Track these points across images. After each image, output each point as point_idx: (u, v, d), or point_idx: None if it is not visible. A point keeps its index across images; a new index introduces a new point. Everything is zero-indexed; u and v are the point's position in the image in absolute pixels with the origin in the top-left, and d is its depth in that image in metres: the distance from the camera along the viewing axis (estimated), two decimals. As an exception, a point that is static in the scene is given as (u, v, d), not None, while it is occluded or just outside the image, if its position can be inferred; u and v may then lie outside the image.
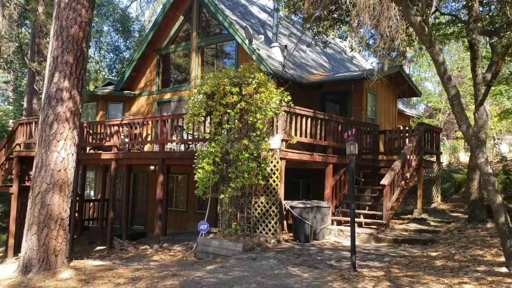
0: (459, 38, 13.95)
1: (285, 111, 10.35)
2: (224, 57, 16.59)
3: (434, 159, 15.12)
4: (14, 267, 9.04)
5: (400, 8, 7.62)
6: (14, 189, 15.22)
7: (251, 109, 10.07)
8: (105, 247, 13.61)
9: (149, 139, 14.52)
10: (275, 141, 10.21)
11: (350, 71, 18.71)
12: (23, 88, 30.44)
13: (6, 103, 34.52)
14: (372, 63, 23.14)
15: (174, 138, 13.42)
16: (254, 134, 10.11)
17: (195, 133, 12.53)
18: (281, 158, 10.21)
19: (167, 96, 17.36)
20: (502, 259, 7.23)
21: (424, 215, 12.54)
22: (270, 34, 16.07)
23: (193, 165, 10.71)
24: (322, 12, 12.15)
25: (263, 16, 18.37)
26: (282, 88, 10.63)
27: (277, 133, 10.28)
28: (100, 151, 14.59)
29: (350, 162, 7.80)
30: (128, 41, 35.04)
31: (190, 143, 13.25)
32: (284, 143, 10.36)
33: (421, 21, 7.40)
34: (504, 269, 6.89)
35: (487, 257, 7.85)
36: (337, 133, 12.06)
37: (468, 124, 7.50)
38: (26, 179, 15.41)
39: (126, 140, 14.37)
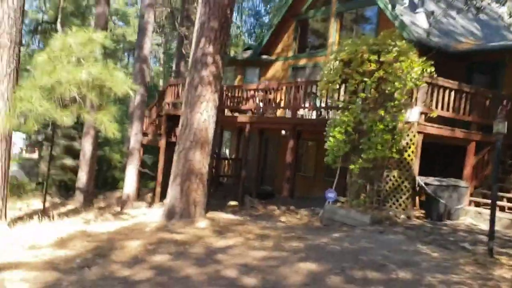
0: None
1: (427, 82, 9.75)
2: (364, 23, 16.03)
3: None
4: (160, 212, 10.19)
5: None
6: (162, 143, 16.86)
7: (390, 79, 9.66)
8: (236, 203, 14.52)
9: (282, 104, 14.86)
10: (413, 114, 9.72)
11: (506, 40, 16.73)
12: (172, 51, 33.07)
13: (158, 64, 37.93)
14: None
15: (306, 104, 13.54)
16: (392, 104, 9.71)
17: (328, 101, 12.49)
18: (418, 132, 9.73)
19: (302, 61, 17.44)
20: None
21: None
22: (415, -1, 15.04)
23: (324, 133, 10.74)
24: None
25: (409, -21, 17.18)
26: (425, 58, 9.99)
27: (416, 105, 9.76)
28: (236, 114, 15.38)
29: (497, 141, 7.16)
30: (268, 6, 35.69)
31: (322, 110, 13.25)
32: (423, 116, 9.83)
33: None
34: None
35: None
36: (483, 109, 11.04)
37: None
38: (172, 135, 16.94)
39: (261, 104, 14.90)
